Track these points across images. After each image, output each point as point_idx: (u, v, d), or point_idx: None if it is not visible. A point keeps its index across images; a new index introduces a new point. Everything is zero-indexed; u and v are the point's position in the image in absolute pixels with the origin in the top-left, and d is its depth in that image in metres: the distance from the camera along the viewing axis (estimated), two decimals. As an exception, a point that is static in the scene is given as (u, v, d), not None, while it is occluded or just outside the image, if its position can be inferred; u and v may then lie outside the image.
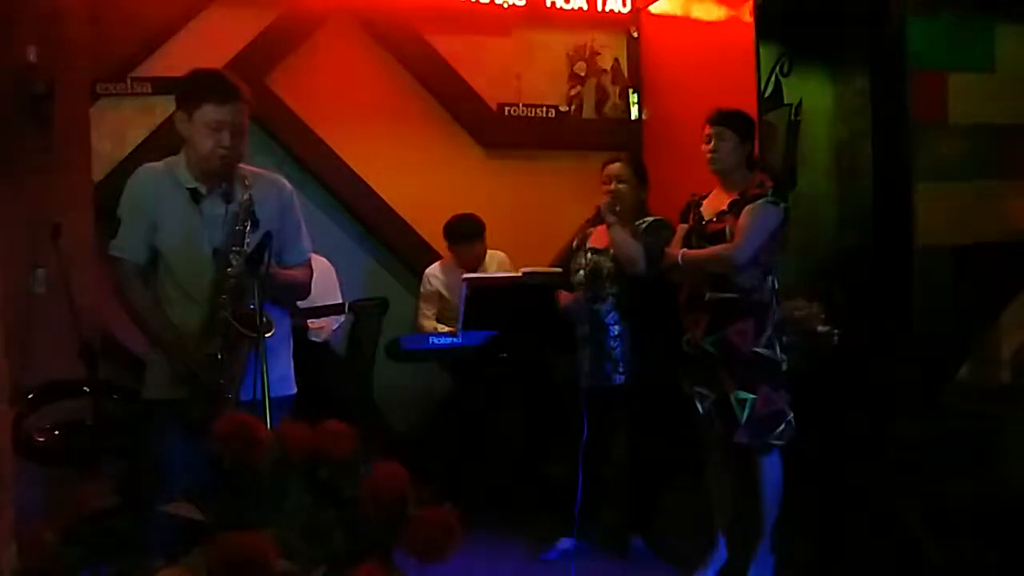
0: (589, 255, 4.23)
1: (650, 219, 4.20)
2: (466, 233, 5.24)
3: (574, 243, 4.42)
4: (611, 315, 4.14)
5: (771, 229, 3.67)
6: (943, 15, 4.67)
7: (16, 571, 1.59)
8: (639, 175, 4.28)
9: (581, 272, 4.21)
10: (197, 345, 2.86)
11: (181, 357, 2.87)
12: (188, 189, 2.93)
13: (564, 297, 4.33)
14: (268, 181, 3.06)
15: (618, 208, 4.11)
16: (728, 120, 3.79)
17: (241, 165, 2.96)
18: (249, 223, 2.86)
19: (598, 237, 4.26)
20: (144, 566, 1.55)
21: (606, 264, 4.15)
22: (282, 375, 3.05)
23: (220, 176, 2.92)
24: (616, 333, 4.13)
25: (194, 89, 2.93)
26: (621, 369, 4.12)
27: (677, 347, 3.94)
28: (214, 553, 1.41)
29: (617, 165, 4.25)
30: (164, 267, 2.97)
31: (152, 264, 2.99)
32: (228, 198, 2.90)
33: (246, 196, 2.84)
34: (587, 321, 4.17)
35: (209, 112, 2.86)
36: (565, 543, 4.19)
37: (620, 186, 4.18)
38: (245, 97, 2.92)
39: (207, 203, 2.93)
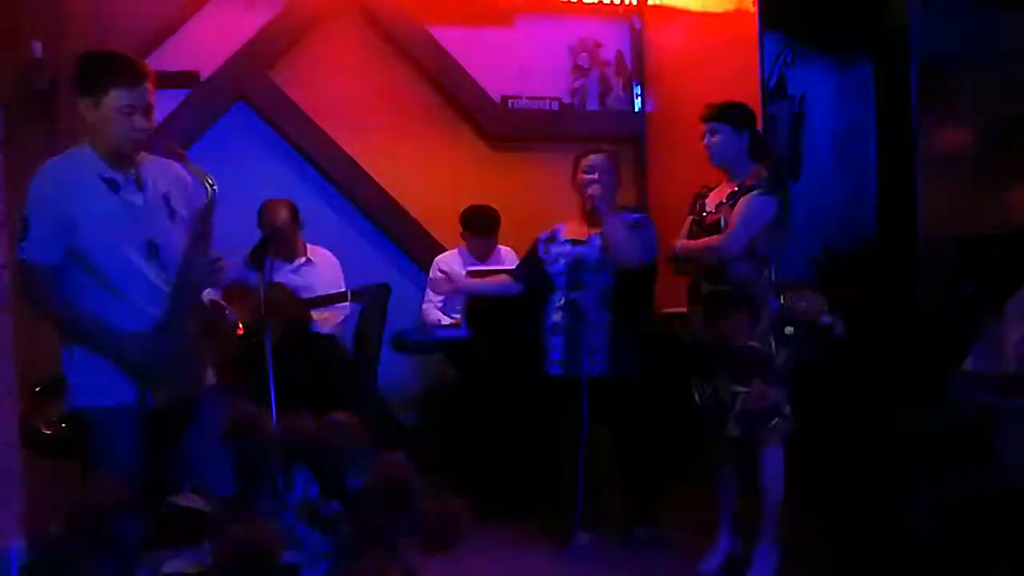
0: (567, 246, 4.19)
1: (634, 216, 4.19)
2: (481, 223, 5.25)
3: (543, 235, 4.35)
4: (591, 305, 4.10)
5: (763, 221, 3.65)
6: (948, 5, 4.67)
7: (25, 563, 1.60)
8: (617, 169, 4.26)
9: (562, 262, 4.17)
10: (155, 340, 2.78)
11: (141, 352, 2.77)
12: (105, 179, 2.81)
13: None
14: (170, 169, 2.97)
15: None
16: (719, 114, 3.77)
17: (191, 162, 2.91)
18: (169, 215, 2.85)
19: (573, 228, 4.23)
20: (151, 558, 1.56)
21: (591, 254, 4.12)
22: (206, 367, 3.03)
23: (131, 162, 2.86)
24: (596, 323, 4.09)
25: (100, 74, 2.80)
26: (597, 359, 4.08)
27: (655, 338, 3.95)
28: (221, 545, 1.42)
29: (601, 156, 4.20)
30: (85, 266, 2.79)
31: (70, 266, 2.80)
32: (139, 185, 2.85)
33: (212, 190, 2.81)
34: (563, 310, 4.13)
35: (121, 96, 2.75)
36: (582, 538, 4.20)
37: (606, 178, 4.16)
38: (151, 75, 2.83)
39: (124, 192, 2.84)
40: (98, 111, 2.79)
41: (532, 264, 4.34)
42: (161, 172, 2.94)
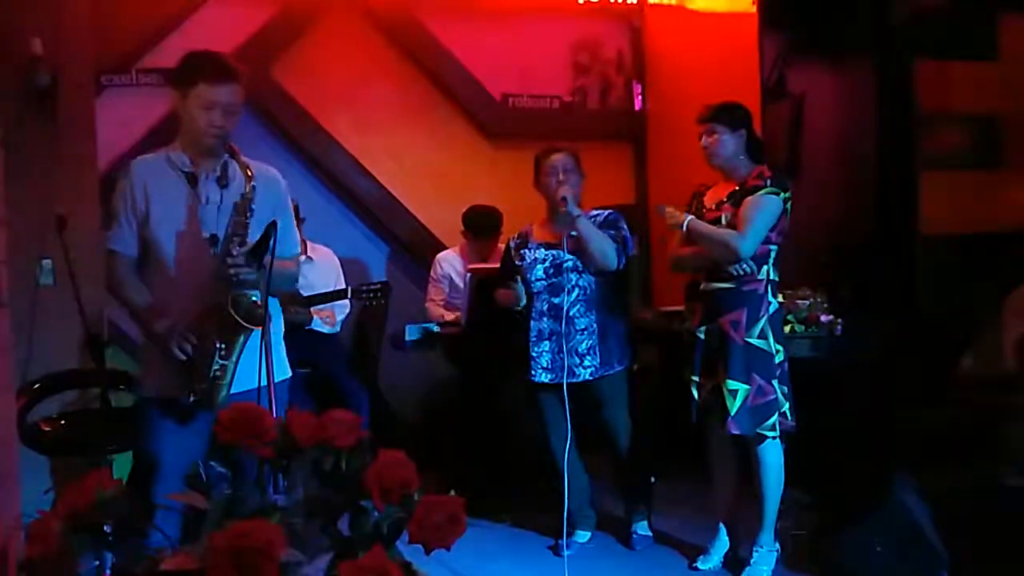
0: (541, 250, 4.13)
1: (604, 212, 4.17)
2: (481, 225, 5.23)
3: (512, 241, 4.30)
4: (577, 307, 4.03)
5: (772, 219, 3.66)
6: (947, 4, 4.67)
7: (24, 560, 1.60)
8: (580, 167, 4.16)
9: (540, 267, 4.10)
10: (194, 333, 2.84)
11: (180, 347, 2.84)
12: (184, 173, 2.93)
13: (505, 295, 4.21)
14: (264, 173, 3.05)
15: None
16: (715, 115, 3.77)
17: (241, 156, 2.95)
18: (250, 213, 2.87)
19: (543, 232, 4.17)
20: (150, 555, 1.56)
21: (567, 257, 4.04)
22: (281, 360, 3.09)
23: (214, 158, 2.93)
24: (583, 326, 4.03)
25: (188, 69, 2.93)
26: (587, 363, 4.03)
27: (641, 336, 3.91)
28: (220, 541, 1.42)
29: (562, 156, 4.10)
30: (156, 257, 2.94)
31: (145, 257, 2.97)
32: (223, 183, 2.92)
33: (250, 186, 2.84)
34: (547, 316, 4.07)
35: (202, 91, 2.86)
36: (581, 536, 4.20)
37: (571, 177, 4.10)
38: (239, 78, 2.92)
39: (203, 187, 2.93)
40: (184, 104, 2.91)
41: (509, 270, 4.26)
42: (257, 177, 2.95)
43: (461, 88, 6.04)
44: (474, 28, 6.06)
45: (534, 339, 4.10)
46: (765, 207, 3.64)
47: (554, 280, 4.07)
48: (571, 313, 4.04)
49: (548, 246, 4.11)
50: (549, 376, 4.08)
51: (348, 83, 5.86)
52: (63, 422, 4.17)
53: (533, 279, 4.11)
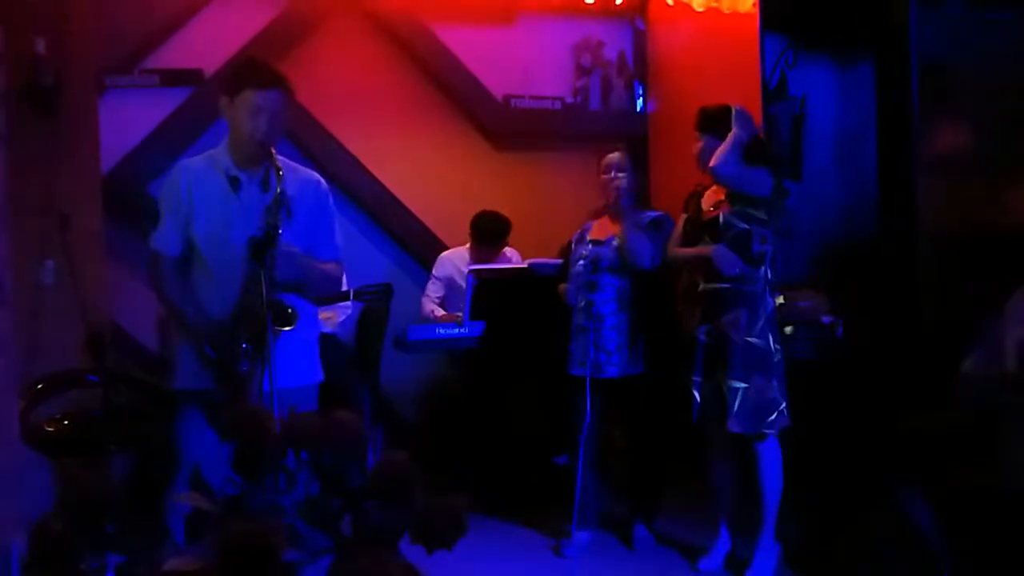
0: (589, 246, 4.23)
1: (654, 214, 4.23)
2: (489, 233, 5.23)
3: (575, 236, 4.42)
4: (608, 305, 4.14)
5: (754, 181, 3.71)
6: (948, 7, 4.67)
7: (25, 560, 1.61)
8: (636, 165, 4.31)
9: (581, 263, 4.21)
10: (227, 333, 2.90)
11: (210, 345, 2.91)
12: (228, 177, 3.00)
13: (565, 290, 4.34)
14: (305, 177, 3.12)
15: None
16: (697, 122, 3.90)
17: (280, 158, 3.00)
18: (285, 215, 2.90)
19: (598, 229, 4.26)
20: (152, 555, 1.57)
21: (607, 255, 4.15)
22: (311, 363, 3.15)
23: (258, 162, 2.98)
24: (613, 324, 4.13)
25: (237, 75, 3.05)
26: (615, 360, 4.11)
27: (673, 338, 3.98)
28: (223, 541, 1.42)
29: (618, 155, 4.24)
30: (197, 257, 3.03)
31: (187, 256, 3.05)
32: (265, 187, 2.97)
33: (280, 188, 2.89)
34: (583, 312, 4.17)
35: (249, 97, 2.94)
36: (582, 536, 4.20)
37: (623, 175, 4.19)
38: (285, 87, 3.02)
39: (245, 191, 3.00)
40: (232, 109, 2.99)
41: (568, 265, 4.40)
42: (294, 177, 3.06)
43: (463, 89, 6.03)
44: (476, 29, 6.06)
45: (572, 333, 4.23)
46: (755, 171, 3.75)
47: (592, 277, 4.16)
48: (603, 311, 4.13)
49: (595, 243, 4.23)
50: (580, 370, 4.15)
51: (350, 85, 5.85)
52: (65, 422, 4.17)
53: (574, 274, 4.23)
